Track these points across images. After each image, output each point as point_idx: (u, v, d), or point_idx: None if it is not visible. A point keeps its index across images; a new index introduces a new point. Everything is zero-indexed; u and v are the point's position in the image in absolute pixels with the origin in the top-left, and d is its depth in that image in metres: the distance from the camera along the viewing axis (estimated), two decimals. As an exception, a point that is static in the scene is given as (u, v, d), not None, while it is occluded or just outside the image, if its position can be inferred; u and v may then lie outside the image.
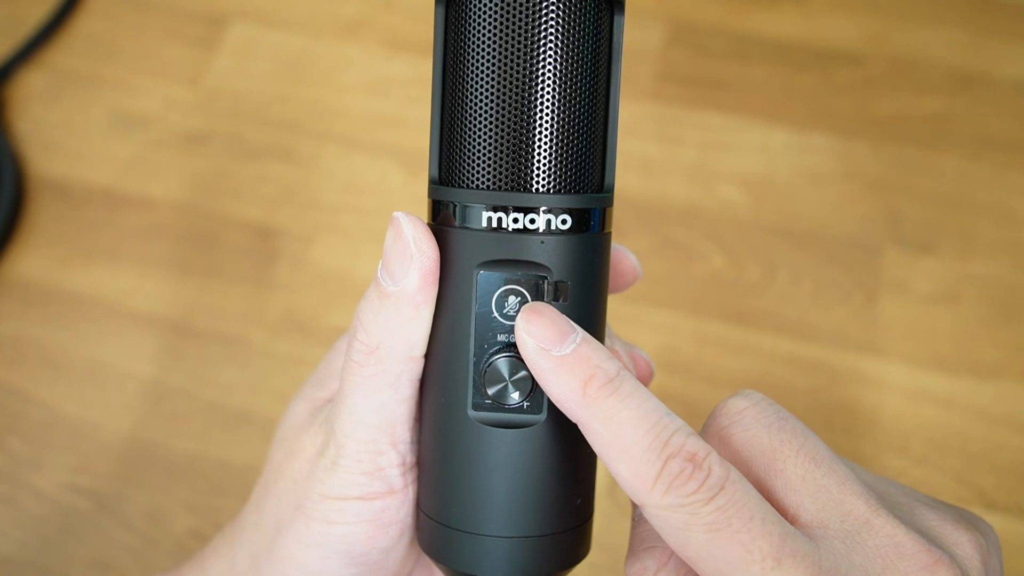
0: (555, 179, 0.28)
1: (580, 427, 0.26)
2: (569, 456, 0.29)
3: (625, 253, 0.36)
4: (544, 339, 0.26)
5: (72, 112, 0.69)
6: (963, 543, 0.26)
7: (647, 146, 0.66)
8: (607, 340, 0.31)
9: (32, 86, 0.71)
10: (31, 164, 0.67)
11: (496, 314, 0.28)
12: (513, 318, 0.28)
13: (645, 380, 0.35)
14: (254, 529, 0.33)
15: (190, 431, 0.56)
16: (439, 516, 0.29)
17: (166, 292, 0.61)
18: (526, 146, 0.27)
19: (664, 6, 0.72)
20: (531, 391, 0.28)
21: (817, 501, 0.26)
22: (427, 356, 0.29)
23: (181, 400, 0.57)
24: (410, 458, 0.31)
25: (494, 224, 0.27)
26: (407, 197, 0.64)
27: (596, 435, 0.26)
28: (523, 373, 0.28)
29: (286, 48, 0.71)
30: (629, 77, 0.68)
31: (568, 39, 0.27)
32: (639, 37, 0.70)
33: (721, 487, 0.24)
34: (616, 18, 0.28)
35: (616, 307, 0.59)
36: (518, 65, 0.27)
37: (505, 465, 0.28)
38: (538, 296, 0.28)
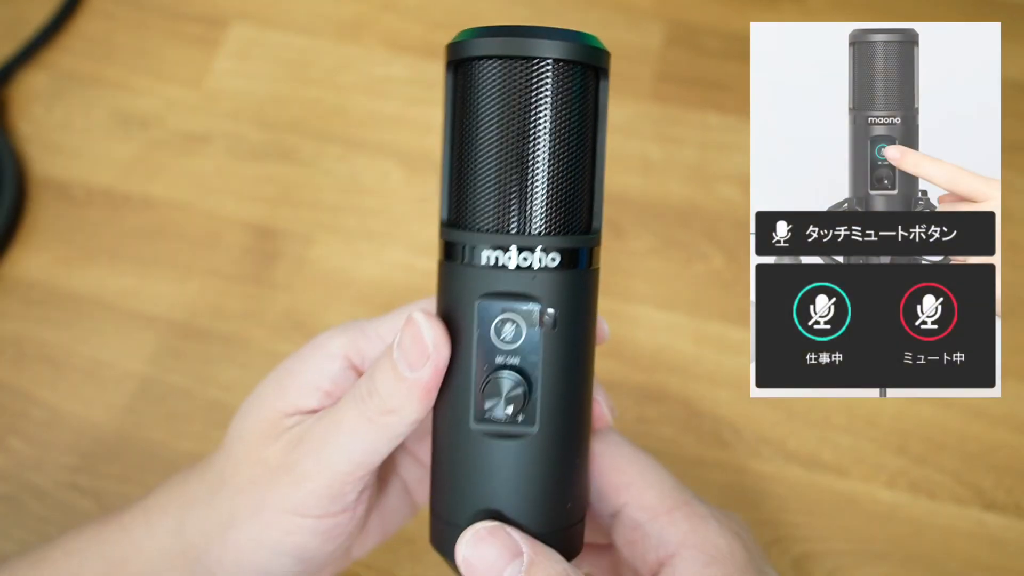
0: (548, 223, 0.31)
1: None
2: (559, 464, 0.33)
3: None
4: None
5: (73, 113, 0.69)
6: None
7: (647, 146, 0.66)
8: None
9: (33, 87, 0.71)
10: (32, 164, 0.67)
11: (494, 339, 0.31)
12: (509, 343, 0.31)
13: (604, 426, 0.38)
14: (206, 507, 0.35)
15: (191, 431, 0.56)
16: (447, 516, 0.33)
17: (167, 292, 0.61)
18: (523, 196, 0.31)
19: (663, 6, 0.72)
20: (524, 406, 0.31)
21: None
22: None
23: (182, 400, 0.57)
24: (368, 479, 0.34)
25: (493, 262, 0.31)
26: (407, 197, 0.64)
27: None
28: (518, 391, 0.31)
29: (286, 49, 0.72)
30: (629, 77, 0.68)
31: (559, 106, 0.31)
32: (638, 37, 0.71)
33: None
34: (601, 83, 0.32)
35: (616, 307, 0.60)
36: (516, 128, 0.31)
37: (503, 470, 0.32)
38: (531, 324, 0.31)
